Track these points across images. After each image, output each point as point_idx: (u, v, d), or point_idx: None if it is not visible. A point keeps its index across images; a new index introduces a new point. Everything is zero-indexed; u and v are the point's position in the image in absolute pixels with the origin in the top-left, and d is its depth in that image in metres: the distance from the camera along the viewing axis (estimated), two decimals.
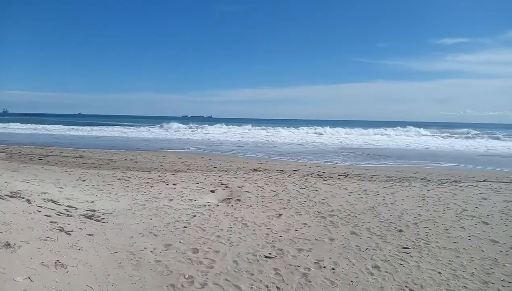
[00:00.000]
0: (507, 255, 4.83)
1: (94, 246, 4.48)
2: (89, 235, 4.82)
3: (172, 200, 7.44)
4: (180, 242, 4.98)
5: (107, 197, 7.42)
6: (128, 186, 8.67)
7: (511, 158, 19.97)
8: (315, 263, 4.45)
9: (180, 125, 47.45)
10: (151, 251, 4.57)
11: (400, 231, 5.82)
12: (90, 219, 5.65)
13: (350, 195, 8.43)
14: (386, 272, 4.23)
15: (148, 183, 9.20)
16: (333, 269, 4.28)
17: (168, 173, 11.02)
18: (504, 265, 4.48)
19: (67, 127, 46.25)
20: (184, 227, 5.66)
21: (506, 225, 6.18)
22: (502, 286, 3.92)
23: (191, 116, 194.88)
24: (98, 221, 5.62)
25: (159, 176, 10.41)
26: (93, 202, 6.82)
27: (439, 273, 4.23)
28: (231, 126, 47.24)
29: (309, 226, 5.99)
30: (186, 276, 3.90)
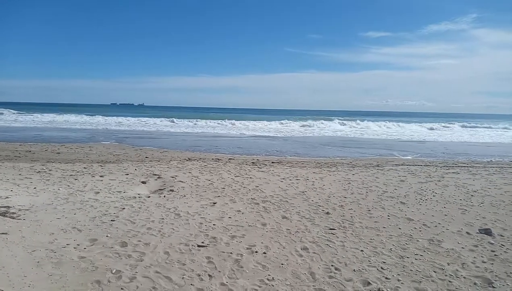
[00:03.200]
0: (420, 231, 5.34)
1: (8, 245, 4.10)
2: (2, 233, 4.41)
3: (98, 192, 7.02)
4: (107, 236, 4.72)
5: (25, 191, 6.79)
6: (49, 179, 7.99)
7: (428, 144, 22.18)
8: (247, 248, 4.52)
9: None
10: (74, 248, 4.28)
11: (327, 213, 6.14)
12: (4, 216, 5.18)
13: (282, 181, 8.69)
14: (314, 253, 4.45)
15: (72, 175, 8.57)
16: (264, 253, 4.39)
17: (94, 164, 10.36)
18: (418, 240, 4.95)
19: None
20: (111, 220, 5.38)
21: (420, 204, 6.83)
22: (416, 259, 4.33)
23: (120, 104, 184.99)
24: (13, 218, 5.15)
25: (84, 167, 9.75)
26: (7, 197, 6.21)
27: (362, 251, 4.55)
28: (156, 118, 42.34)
29: (242, 213, 6.07)
30: (113, 271, 3.72)
